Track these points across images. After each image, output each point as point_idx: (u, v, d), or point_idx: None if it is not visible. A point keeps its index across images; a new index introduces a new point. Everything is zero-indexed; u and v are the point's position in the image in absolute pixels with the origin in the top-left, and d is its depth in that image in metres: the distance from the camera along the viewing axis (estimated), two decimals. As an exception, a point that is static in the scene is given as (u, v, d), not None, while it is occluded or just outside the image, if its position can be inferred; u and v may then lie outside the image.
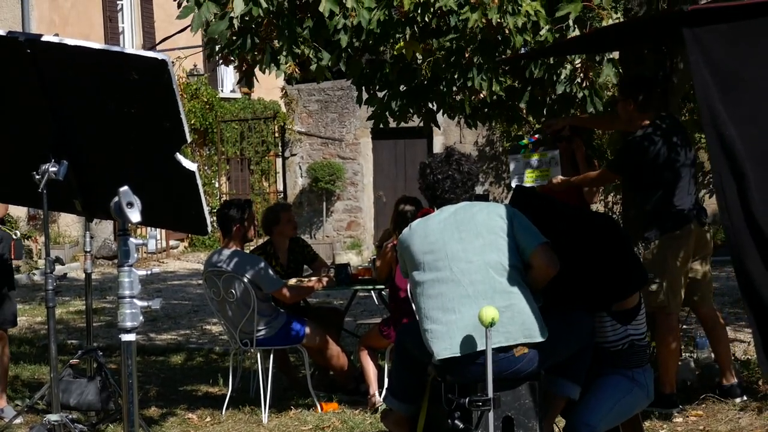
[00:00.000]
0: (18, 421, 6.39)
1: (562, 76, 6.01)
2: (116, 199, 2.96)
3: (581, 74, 5.99)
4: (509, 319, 4.39)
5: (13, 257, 6.51)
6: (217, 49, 6.07)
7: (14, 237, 6.47)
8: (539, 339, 4.40)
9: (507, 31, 5.64)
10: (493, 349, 4.27)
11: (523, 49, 6.03)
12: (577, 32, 5.71)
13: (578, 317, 4.65)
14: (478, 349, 4.35)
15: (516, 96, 7.04)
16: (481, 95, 6.20)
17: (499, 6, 5.56)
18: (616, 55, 6.58)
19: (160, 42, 10.06)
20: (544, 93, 6.64)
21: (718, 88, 3.66)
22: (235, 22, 5.66)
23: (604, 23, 5.67)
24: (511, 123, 8.05)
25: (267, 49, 5.83)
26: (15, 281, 6.75)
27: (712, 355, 6.90)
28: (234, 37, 5.79)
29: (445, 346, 4.42)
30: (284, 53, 5.81)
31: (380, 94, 6.89)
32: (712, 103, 3.64)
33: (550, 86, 6.21)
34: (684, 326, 7.43)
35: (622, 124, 6.26)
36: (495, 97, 6.55)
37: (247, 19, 5.72)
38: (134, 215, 2.94)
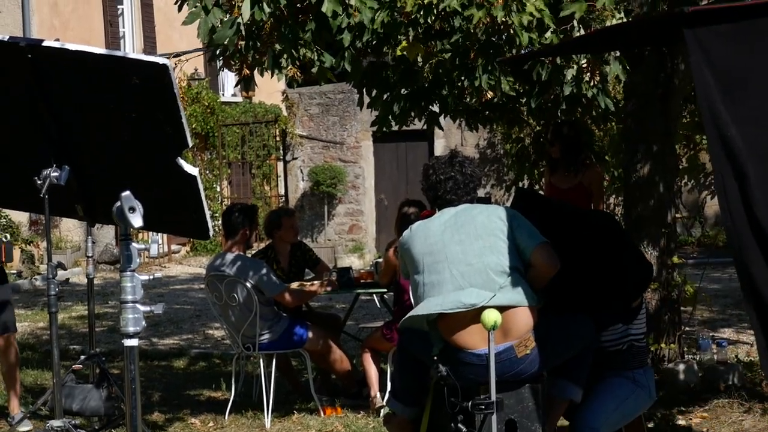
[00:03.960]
0: (27, 428, 6.38)
1: (569, 77, 6.00)
2: (118, 203, 2.96)
3: (588, 73, 5.97)
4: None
5: (3, 260, 6.44)
6: (218, 52, 6.06)
7: (3, 240, 6.45)
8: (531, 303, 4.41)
9: (512, 30, 5.64)
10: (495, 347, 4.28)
11: (524, 50, 6.03)
12: (582, 32, 5.71)
13: (580, 319, 4.65)
14: (477, 352, 4.35)
15: (517, 98, 7.04)
16: (488, 95, 6.18)
17: (504, 4, 5.55)
18: None
19: (178, 55, 9.96)
20: (552, 95, 6.63)
21: (720, 88, 3.66)
22: (243, 29, 5.66)
23: (607, 23, 5.67)
24: (512, 125, 8.06)
25: (269, 52, 5.83)
26: (8, 285, 6.62)
27: (715, 357, 6.90)
28: (242, 42, 5.80)
29: (437, 302, 4.43)
30: (285, 56, 5.81)
31: (382, 98, 6.89)
32: (713, 104, 3.64)
33: (558, 87, 6.20)
34: (686, 328, 7.44)
35: None
36: (502, 98, 6.52)
37: (249, 23, 5.72)
38: (136, 220, 2.94)
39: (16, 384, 6.59)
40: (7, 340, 6.52)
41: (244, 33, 5.74)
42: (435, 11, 5.67)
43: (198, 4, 5.68)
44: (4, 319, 6.46)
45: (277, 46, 5.84)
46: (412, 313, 4.57)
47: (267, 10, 5.58)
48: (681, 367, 6.72)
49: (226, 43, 5.70)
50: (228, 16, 5.70)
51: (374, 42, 6.08)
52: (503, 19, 5.57)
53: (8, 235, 6.68)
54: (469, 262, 4.50)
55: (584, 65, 5.97)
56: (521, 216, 4.62)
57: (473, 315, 4.40)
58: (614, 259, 4.73)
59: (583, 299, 4.69)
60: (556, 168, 7.23)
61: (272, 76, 5.94)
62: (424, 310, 4.51)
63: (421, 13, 5.72)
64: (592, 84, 6.06)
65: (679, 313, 6.95)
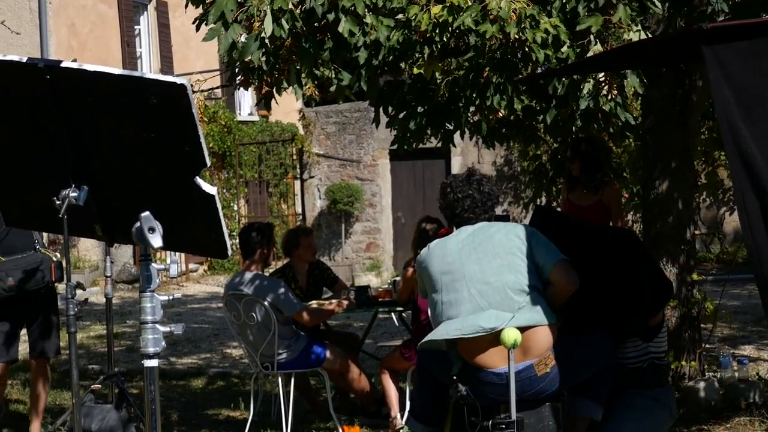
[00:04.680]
0: None
1: (585, 91, 5.98)
2: (138, 224, 2.97)
3: (605, 86, 5.94)
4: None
5: (54, 280, 6.39)
6: (239, 69, 6.07)
7: (54, 259, 6.40)
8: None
9: (527, 48, 5.62)
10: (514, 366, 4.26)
11: (540, 68, 6.01)
12: (598, 47, 5.69)
13: (600, 337, 4.63)
14: (497, 371, 4.33)
15: (533, 115, 7.03)
16: (500, 114, 6.17)
17: (518, 21, 5.55)
18: None
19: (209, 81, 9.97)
20: (568, 110, 6.61)
21: (739, 105, 3.64)
22: (268, 44, 5.66)
23: (625, 37, 5.65)
24: (528, 142, 8.04)
25: (292, 69, 5.83)
26: (56, 308, 6.47)
27: (736, 375, 6.85)
28: (263, 58, 5.80)
29: (455, 326, 4.41)
30: (304, 75, 5.82)
31: (399, 116, 6.89)
32: (732, 120, 3.62)
33: (574, 102, 6.19)
34: (707, 345, 7.39)
35: None
36: (512, 116, 6.51)
37: (268, 41, 5.73)
38: (156, 240, 2.95)
39: (40, 408, 6.56)
40: (42, 366, 6.47)
41: (267, 49, 5.75)
42: (450, 29, 5.66)
43: (218, 21, 5.68)
44: (45, 343, 6.40)
45: (297, 65, 5.85)
46: (430, 336, 4.55)
47: (285, 26, 5.58)
48: (702, 384, 6.67)
49: (251, 58, 5.70)
50: (247, 32, 5.71)
51: (390, 60, 6.08)
52: (516, 35, 5.55)
53: (58, 254, 6.60)
54: (487, 281, 4.49)
55: (601, 78, 5.94)
56: (539, 233, 4.61)
57: (493, 336, 4.39)
58: (633, 275, 4.71)
59: (603, 316, 4.67)
60: (575, 185, 7.21)
61: (294, 92, 5.93)
62: (443, 335, 4.49)
63: (437, 31, 5.71)
64: (609, 98, 6.03)
65: (699, 330, 6.91)
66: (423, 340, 4.61)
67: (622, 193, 7.22)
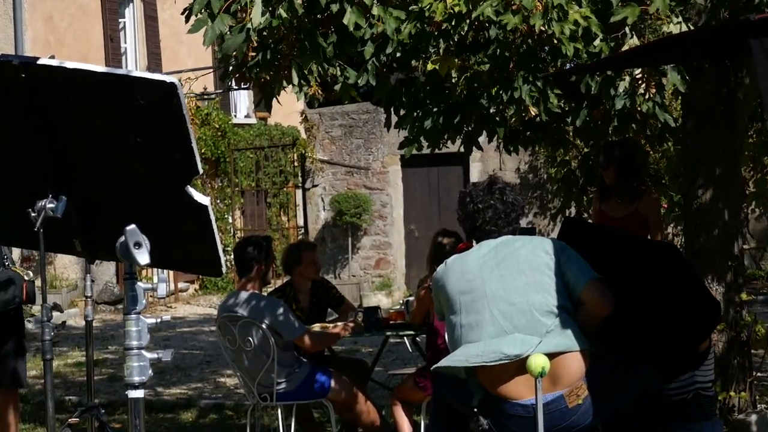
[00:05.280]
0: None
1: (620, 89, 5.96)
2: (122, 239, 2.97)
3: (642, 84, 5.91)
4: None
5: (25, 300, 6.36)
6: (231, 68, 6.06)
7: (26, 278, 6.38)
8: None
9: (555, 41, 5.61)
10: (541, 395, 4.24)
11: (569, 64, 6.01)
12: (635, 40, 5.67)
13: (639, 364, 4.61)
14: (523, 402, 4.32)
15: (562, 116, 7.03)
16: (532, 112, 6.16)
17: (543, 12, 5.53)
18: None
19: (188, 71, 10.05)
20: (601, 111, 6.59)
21: (791, 104, 3.62)
22: (253, 35, 5.64)
23: (664, 29, 5.64)
24: (556, 147, 8.03)
25: (294, 65, 5.81)
26: (24, 331, 6.49)
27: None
28: (253, 53, 5.78)
29: (476, 352, 4.39)
30: (306, 71, 5.81)
31: (411, 116, 6.88)
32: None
33: (608, 102, 6.17)
34: (758, 374, 7.35)
35: None
36: (543, 116, 6.49)
37: (265, 33, 5.73)
38: (142, 257, 2.95)
39: None
40: (10, 396, 6.45)
41: (255, 42, 5.73)
42: (468, 21, 5.65)
43: (204, 11, 5.66)
44: (15, 370, 6.35)
45: (298, 61, 5.83)
46: (447, 361, 4.53)
47: (284, 15, 5.57)
48: (753, 417, 6.64)
49: (234, 53, 5.68)
50: (237, 23, 5.69)
51: (401, 55, 6.09)
52: (542, 27, 5.54)
53: (31, 272, 6.58)
54: (512, 301, 4.48)
55: (638, 75, 5.92)
56: (569, 248, 4.60)
57: (518, 363, 4.37)
58: (676, 294, 4.70)
59: (643, 341, 4.65)
60: (608, 194, 7.19)
61: (300, 90, 5.91)
62: (462, 361, 4.48)
63: (453, 23, 5.70)
64: (647, 97, 6.00)
65: (749, 356, 6.88)
66: (439, 363, 4.60)
67: (661, 202, 7.19)
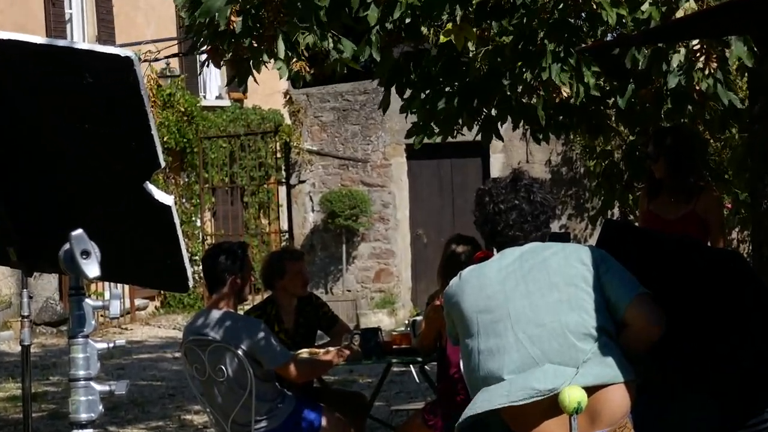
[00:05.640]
0: None
1: (674, 64, 5.95)
2: (66, 246, 2.96)
3: (701, 58, 5.90)
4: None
5: None
6: (202, 39, 6.06)
7: None
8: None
9: (594, 5, 5.62)
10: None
11: (611, 34, 6.02)
12: (692, 4, 5.67)
13: (698, 400, 4.61)
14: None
15: (603, 97, 7.03)
16: (564, 93, 6.15)
17: None
18: None
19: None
20: (651, 90, 6.58)
21: None
22: None
23: None
24: (595, 135, 8.04)
25: (279, 33, 5.81)
26: None
27: None
28: (237, 19, 5.78)
29: (501, 392, 4.40)
30: (294, 41, 5.80)
31: (420, 97, 6.88)
32: None
33: (660, 79, 6.15)
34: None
35: None
36: (580, 98, 6.47)
37: None
38: (91, 268, 2.94)
39: None
40: None
41: (239, 6, 5.74)
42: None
43: None
44: None
45: (284, 29, 5.82)
46: (469, 410, 4.53)
47: None
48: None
49: (216, 18, 5.68)
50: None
51: (409, 22, 6.10)
52: None
53: None
54: (541, 322, 4.49)
55: (696, 47, 5.91)
56: (611, 258, 4.61)
57: (551, 399, 4.38)
58: (740, 303, 4.71)
59: (703, 369, 4.66)
60: (658, 191, 7.20)
61: (287, 65, 5.89)
62: (486, 406, 4.47)
63: (472, -15, 5.73)
64: (707, 73, 5.99)
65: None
66: (461, 419, 4.60)
67: (723, 202, 7.17)
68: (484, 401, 4.51)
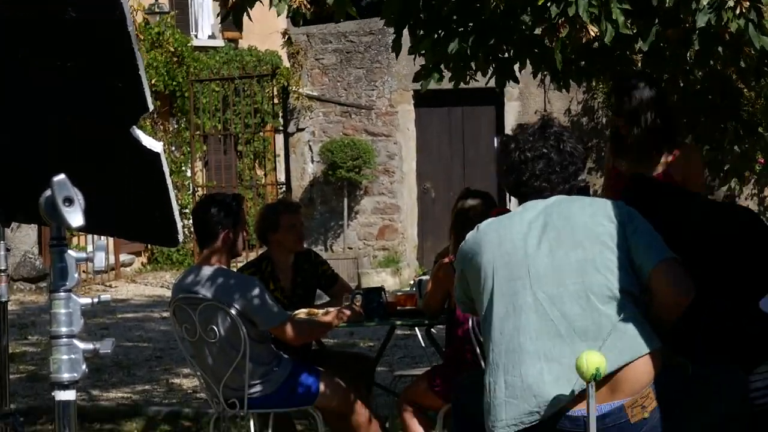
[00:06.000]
0: None
1: (704, 2, 5.90)
2: (48, 193, 2.95)
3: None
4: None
5: None
6: None
7: None
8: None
9: None
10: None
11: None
12: None
13: (725, 372, 4.62)
14: (572, 413, 4.34)
15: (627, 40, 6.98)
16: (591, 33, 6.07)
17: None
18: None
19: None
20: (680, 30, 6.52)
21: None
22: None
23: None
24: (619, 81, 8.01)
25: None
26: None
27: None
28: None
29: (520, 410, 4.40)
30: None
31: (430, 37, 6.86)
32: None
33: (688, 18, 6.09)
34: None
35: None
36: (609, 38, 6.35)
37: None
38: (74, 216, 2.93)
39: None
40: None
41: None
42: None
43: None
44: None
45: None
46: (494, 417, 4.49)
47: None
48: None
49: None
50: None
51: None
52: None
53: None
54: (562, 282, 4.47)
55: (728, -18, 5.88)
56: (639, 216, 4.58)
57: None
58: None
59: (731, 338, 4.67)
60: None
61: (282, 2, 5.85)
62: (513, 425, 4.44)
63: None
64: (738, 12, 5.95)
65: None
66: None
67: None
68: (510, 418, 4.44)
